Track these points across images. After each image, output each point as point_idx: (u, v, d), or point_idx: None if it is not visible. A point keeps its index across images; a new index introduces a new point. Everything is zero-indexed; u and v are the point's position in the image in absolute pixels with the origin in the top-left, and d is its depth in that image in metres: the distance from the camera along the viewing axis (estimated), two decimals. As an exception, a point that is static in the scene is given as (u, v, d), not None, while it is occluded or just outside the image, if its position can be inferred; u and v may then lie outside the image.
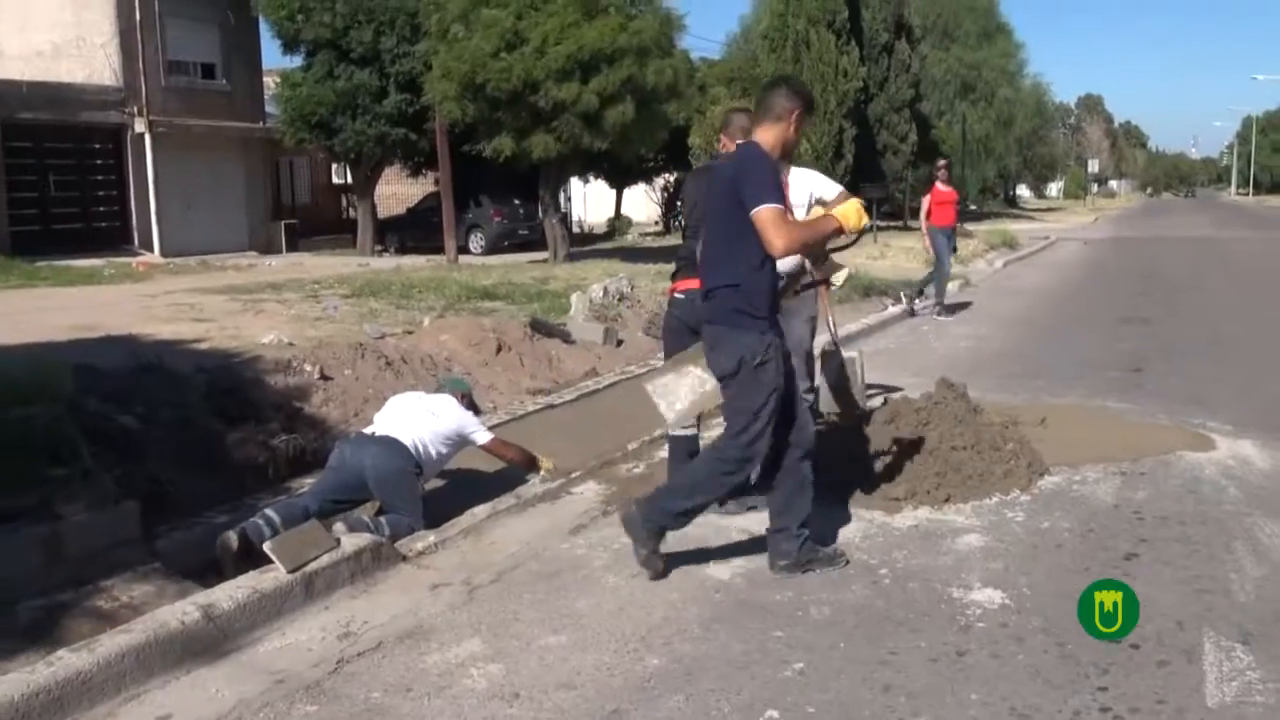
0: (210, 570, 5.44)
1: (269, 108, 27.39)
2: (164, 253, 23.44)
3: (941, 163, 14.43)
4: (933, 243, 13.58)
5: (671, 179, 35.15)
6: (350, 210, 31.83)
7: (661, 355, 6.16)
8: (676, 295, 5.33)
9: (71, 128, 22.66)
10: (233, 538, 4.72)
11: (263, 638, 3.95)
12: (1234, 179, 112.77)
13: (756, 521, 5.05)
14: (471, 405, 6.11)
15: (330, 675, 3.63)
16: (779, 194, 4.17)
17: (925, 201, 13.89)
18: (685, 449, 5.32)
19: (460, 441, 5.75)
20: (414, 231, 27.45)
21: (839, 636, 3.76)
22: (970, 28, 47.37)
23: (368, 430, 5.63)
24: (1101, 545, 4.60)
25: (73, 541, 4.88)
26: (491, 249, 25.81)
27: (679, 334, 5.21)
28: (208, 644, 3.81)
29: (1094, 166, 75.16)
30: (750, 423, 4.19)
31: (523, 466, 6.03)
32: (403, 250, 26.46)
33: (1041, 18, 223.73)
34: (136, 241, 23.64)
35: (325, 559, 4.37)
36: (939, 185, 13.69)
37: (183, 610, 3.85)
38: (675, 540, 4.83)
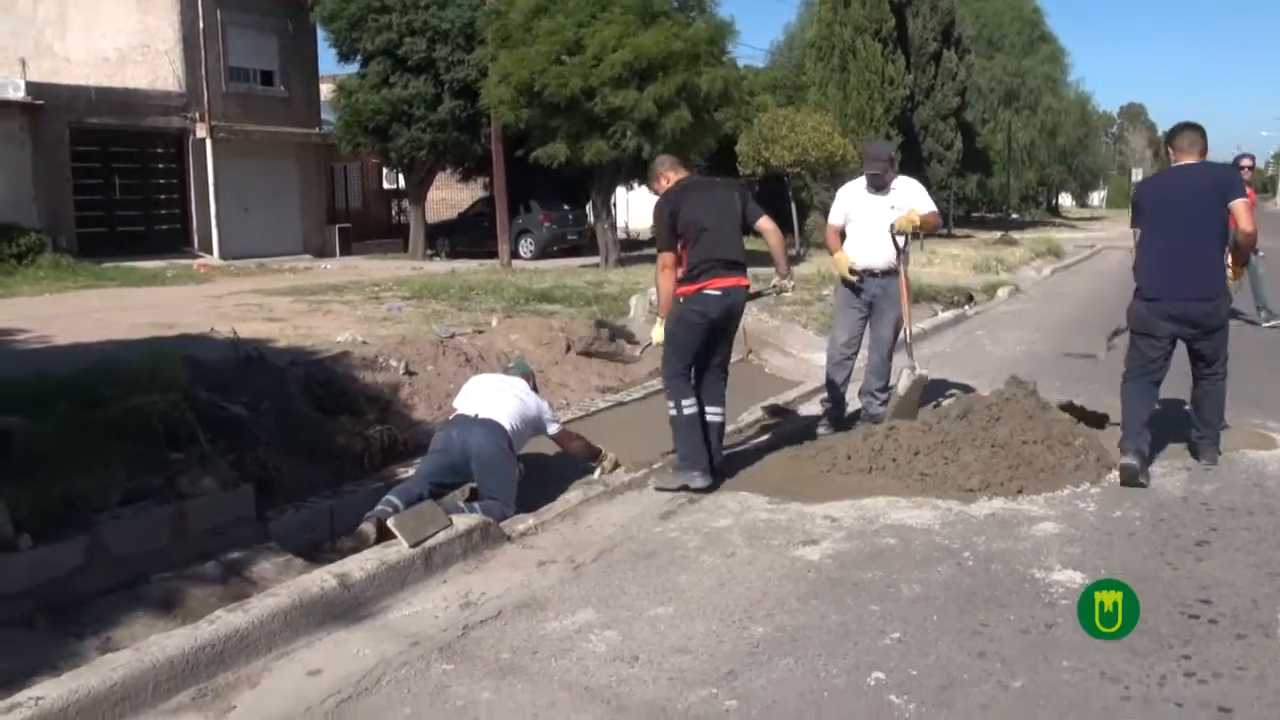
0: (318, 549, 5.80)
1: (324, 114, 27.94)
2: (222, 255, 23.99)
3: (1245, 161, 12.62)
4: None
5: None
6: (400, 215, 32.33)
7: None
8: (708, 292, 5.69)
9: (136, 132, 23.25)
10: (370, 529, 5.03)
11: (391, 606, 4.26)
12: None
13: (839, 509, 5.34)
14: (534, 389, 6.43)
15: (459, 639, 3.94)
16: None
17: None
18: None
19: (537, 425, 6.07)
20: (464, 236, 27.84)
21: (931, 610, 4.02)
22: (1015, 37, 47.37)
23: (468, 411, 5.89)
24: (1173, 533, 4.83)
25: (195, 521, 5.22)
26: (541, 254, 26.15)
27: (700, 331, 5.75)
28: (344, 609, 4.12)
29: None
30: None
31: (586, 456, 6.37)
32: (453, 254, 26.85)
33: (1085, 26, 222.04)
34: (196, 244, 24.20)
35: (441, 536, 4.69)
36: None
37: (321, 578, 4.17)
38: (763, 526, 5.13)
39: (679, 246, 5.75)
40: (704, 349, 5.85)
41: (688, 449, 5.80)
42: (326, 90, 28.27)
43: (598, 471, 6.25)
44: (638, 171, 28.46)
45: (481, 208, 28.80)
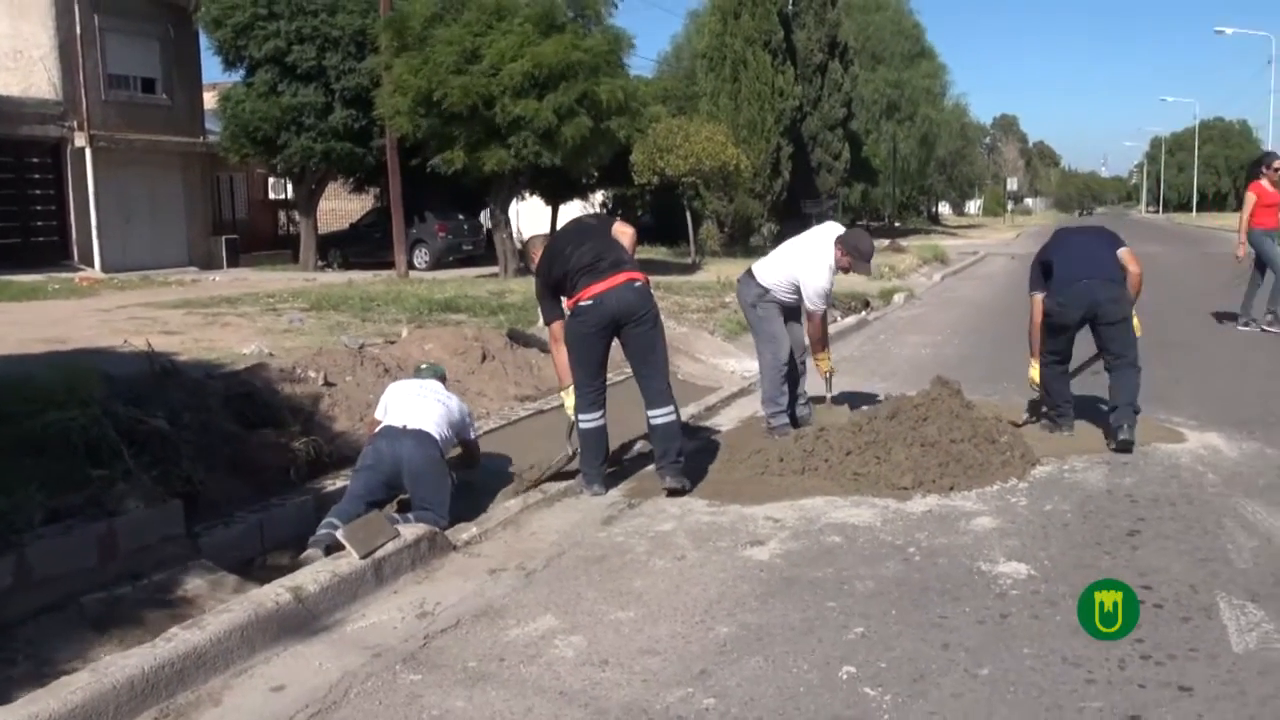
0: (249, 565, 5.66)
1: (209, 123, 27.23)
2: (104, 268, 23.19)
3: (1277, 164, 11.93)
4: (1260, 248, 11.79)
5: (610, 195, 35.46)
6: (289, 226, 31.69)
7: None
8: (582, 303, 5.69)
9: (9, 141, 22.33)
10: (319, 554, 4.88)
11: (346, 618, 4.18)
12: (1144, 197, 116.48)
13: (778, 510, 5.41)
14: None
15: (422, 649, 3.88)
16: None
17: (1249, 202, 11.90)
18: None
19: (459, 429, 6.03)
20: (356, 247, 27.45)
21: (888, 605, 4.10)
22: (897, 50, 48.64)
23: (395, 423, 5.80)
24: (1104, 524, 5.01)
25: (125, 539, 5.04)
26: (436, 264, 25.90)
27: (590, 340, 5.79)
28: (299, 623, 4.03)
29: (1012, 184, 77.23)
30: None
31: (475, 463, 6.38)
32: (345, 265, 26.45)
33: (960, 40, 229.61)
34: (76, 257, 23.35)
35: (390, 546, 4.61)
36: (1264, 184, 11.81)
37: (275, 592, 4.06)
38: (707, 528, 5.17)
39: (563, 303, 5.86)
40: (630, 357, 5.90)
41: (585, 461, 5.95)
42: (210, 98, 27.57)
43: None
44: (534, 181, 28.52)
45: (373, 218, 28.44)
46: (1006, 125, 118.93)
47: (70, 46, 23.04)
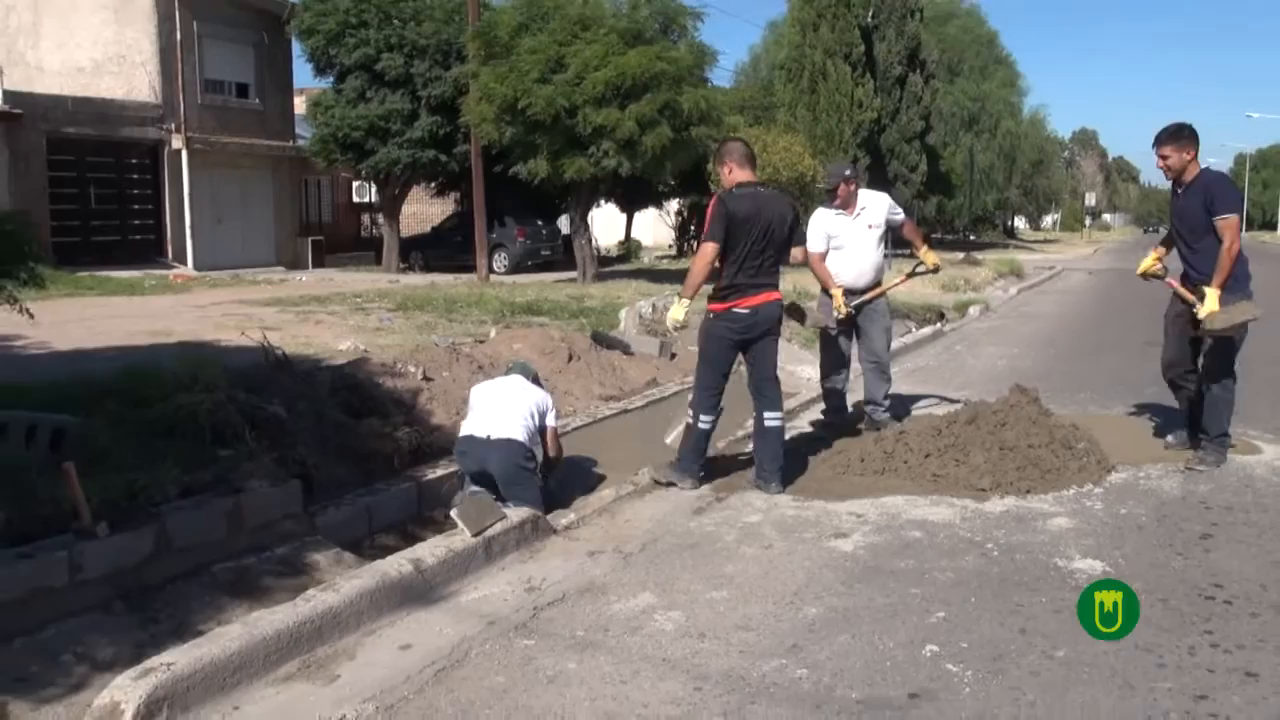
0: (359, 545, 6.06)
1: (298, 127, 28.05)
2: (196, 266, 24.01)
3: None
4: None
5: (685, 203, 35.77)
6: (373, 229, 32.45)
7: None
8: (736, 310, 5.90)
9: (112, 143, 23.25)
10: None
11: (459, 590, 4.53)
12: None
13: (860, 506, 5.67)
14: (537, 383, 6.72)
15: (532, 619, 4.21)
16: None
17: None
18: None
19: (541, 419, 6.34)
20: (437, 250, 28.04)
21: (968, 593, 4.35)
22: (973, 61, 48.42)
23: (479, 433, 6.13)
24: (1178, 528, 5.20)
25: (250, 514, 5.45)
26: (515, 268, 26.40)
27: (730, 347, 6.00)
28: (419, 592, 4.38)
29: (1090, 199, 76.19)
30: None
31: (554, 461, 6.55)
32: (427, 268, 27.04)
33: (1039, 52, 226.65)
34: (170, 254, 24.22)
35: (498, 526, 4.96)
36: None
37: (398, 563, 4.42)
38: (792, 521, 5.45)
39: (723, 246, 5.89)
40: (754, 365, 6.12)
41: (688, 456, 6.16)
42: (300, 104, 28.39)
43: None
44: (614, 188, 28.95)
45: (454, 222, 29.02)
46: (1085, 139, 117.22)
47: (170, 52, 23.92)
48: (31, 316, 6.45)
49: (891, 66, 31.71)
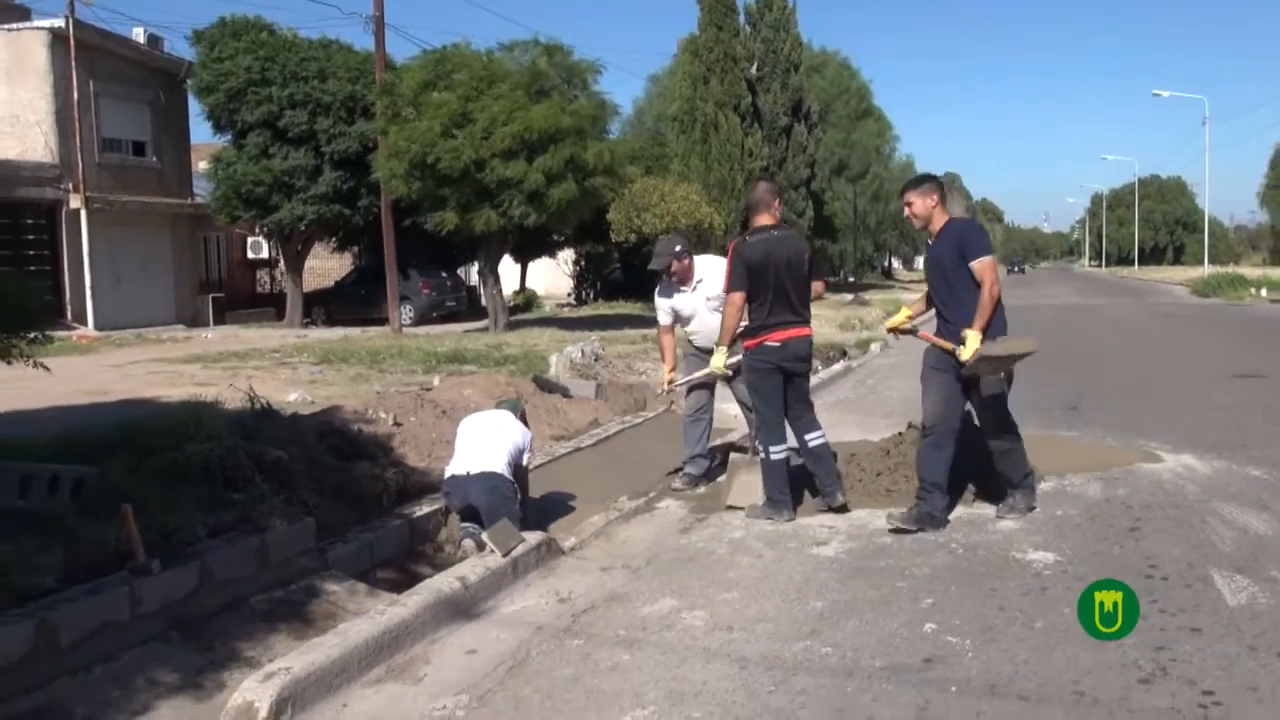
0: (364, 576, 6.47)
1: (197, 184, 27.98)
2: (97, 326, 23.75)
3: None
4: None
5: (583, 251, 36.49)
6: (270, 285, 32.37)
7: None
8: (769, 344, 6.37)
9: (7, 204, 22.97)
10: (473, 546, 5.74)
11: (497, 604, 5.03)
12: (1086, 251, 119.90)
13: (829, 519, 6.33)
14: (523, 420, 7.16)
15: (573, 624, 4.74)
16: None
17: None
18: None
19: (519, 453, 6.75)
20: (341, 304, 28.19)
21: (948, 583, 5.03)
22: (844, 110, 50.35)
23: (461, 471, 6.56)
24: (1109, 524, 5.98)
25: (274, 551, 5.86)
26: (420, 320, 26.69)
27: (774, 372, 6.44)
28: (466, 606, 4.87)
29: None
30: None
31: (524, 494, 6.79)
32: (330, 323, 27.15)
33: (903, 99, 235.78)
34: (70, 315, 23.91)
35: (520, 548, 5.47)
36: None
37: (448, 580, 4.92)
38: (773, 534, 6.08)
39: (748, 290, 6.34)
40: (793, 394, 6.53)
41: (775, 491, 6.45)
42: (199, 163, 28.35)
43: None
44: (521, 239, 29.44)
45: (356, 276, 29.20)
46: (950, 183, 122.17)
47: (67, 112, 23.78)
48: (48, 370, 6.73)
49: (778, 117, 33.11)
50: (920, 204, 6.19)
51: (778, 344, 6.35)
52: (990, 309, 5.91)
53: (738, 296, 6.35)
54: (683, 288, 7.61)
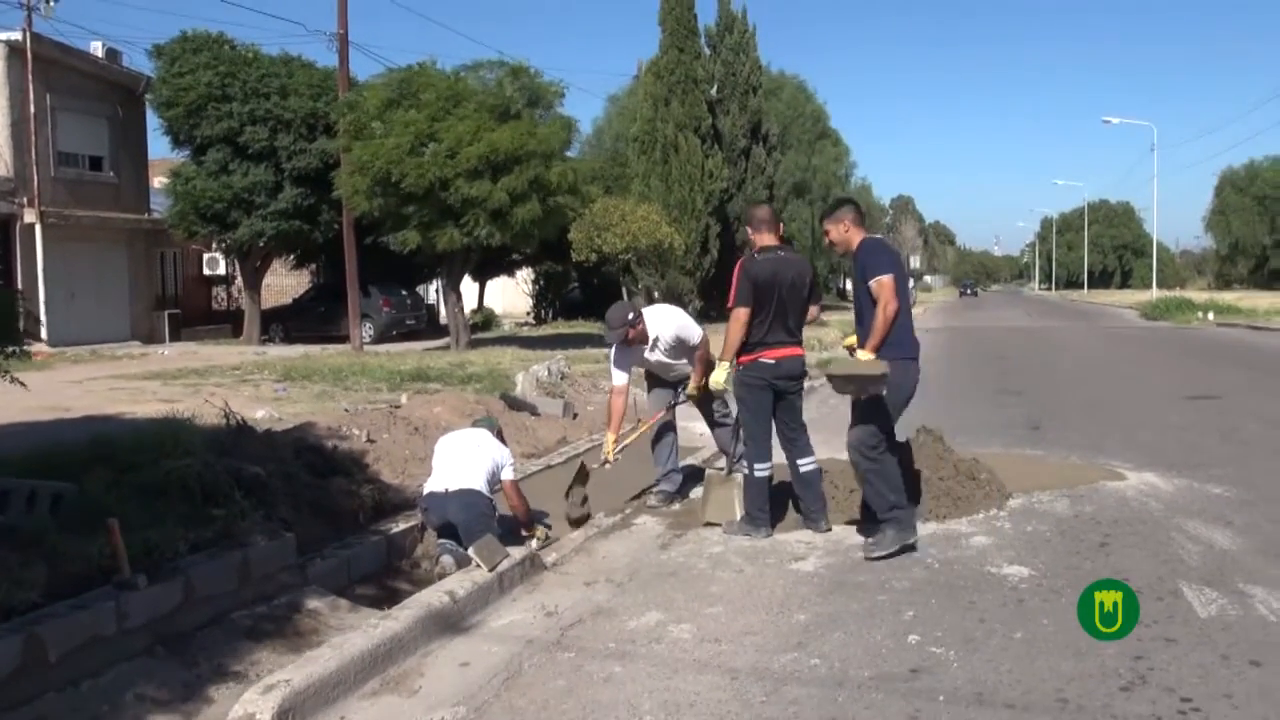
0: (343, 591, 6.48)
1: (154, 200, 27.73)
2: (51, 342, 23.36)
3: None
4: None
5: (542, 271, 36.55)
6: (226, 301, 32.10)
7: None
8: (763, 360, 6.46)
9: (-40, 218, 22.64)
10: (451, 563, 5.76)
11: (486, 618, 5.08)
12: (1036, 275, 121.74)
13: (805, 535, 6.44)
14: (500, 438, 7.14)
15: (562, 637, 4.79)
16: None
17: None
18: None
19: (497, 471, 6.73)
20: (298, 321, 28.02)
21: (927, 596, 5.14)
22: (801, 133, 50.89)
23: (439, 489, 6.58)
24: (1079, 539, 6.13)
25: (255, 567, 5.86)
26: (380, 338, 26.61)
27: (765, 390, 6.53)
28: (455, 620, 4.92)
29: (914, 262, 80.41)
30: None
31: (521, 519, 6.79)
32: (288, 340, 26.97)
33: (857, 122, 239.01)
34: (22, 330, 23.50)
35: (505, 564, 5.52)
36: None
37: (437, 594, 4.96)
38: (751, 550, 6.17)
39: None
40: (780, 418, 6.63)
41: (754, 508, 6.56)
42: (156, 178, 28.11)
43: (533, 543, 6.53)
44: (483, 257, 29.42)
45: (315, 293, 29.05)
46: (903, 206, 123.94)
47: (23, 125, 23.50)
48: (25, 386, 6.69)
49: (737, 139, 33.44)
50: (835, 231, 6.31)
51: (772, 361, 6.46)
52: (884, 329, 5.94)
53: (743, 312, 6.38)
54: (640, 347, 7.61)
